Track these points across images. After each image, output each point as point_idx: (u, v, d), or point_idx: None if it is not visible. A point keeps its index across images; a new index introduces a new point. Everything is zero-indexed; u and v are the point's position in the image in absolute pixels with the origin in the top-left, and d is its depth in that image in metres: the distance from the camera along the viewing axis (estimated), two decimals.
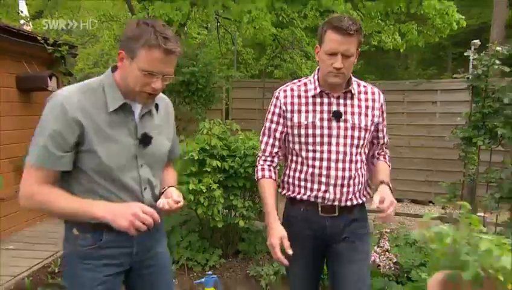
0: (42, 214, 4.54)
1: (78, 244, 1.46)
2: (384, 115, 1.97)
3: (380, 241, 3.43)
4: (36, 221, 4.40)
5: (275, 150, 1.93)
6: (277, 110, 1.89)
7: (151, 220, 1.36)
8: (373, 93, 1.91)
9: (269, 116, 1.92)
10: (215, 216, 3.45)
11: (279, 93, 1.91)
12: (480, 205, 3.82)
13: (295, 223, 1.90)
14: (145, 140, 1.48)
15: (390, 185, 1.81)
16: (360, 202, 1.89)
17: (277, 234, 1.78)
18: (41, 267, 3.27)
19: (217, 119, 4.01)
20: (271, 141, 1.93)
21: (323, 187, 1.83)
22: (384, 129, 1.99)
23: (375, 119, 1.90)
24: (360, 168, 1.89)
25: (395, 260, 3.32)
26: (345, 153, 1.83)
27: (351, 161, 1.85)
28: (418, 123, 5.79)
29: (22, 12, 8.82)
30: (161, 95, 1.58)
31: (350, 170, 1.84)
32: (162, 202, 1.54)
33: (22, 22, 8.46)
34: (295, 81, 1.96)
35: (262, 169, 1.92)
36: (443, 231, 0.92)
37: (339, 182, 1.83)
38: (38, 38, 4.21)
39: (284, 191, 1.95)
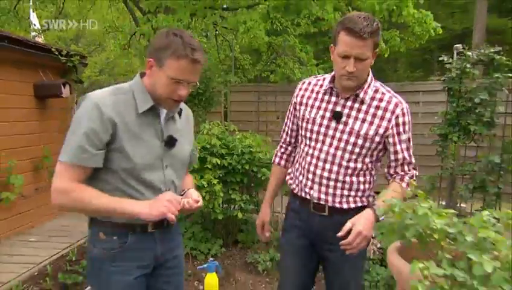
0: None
1: (105, 248, 1.44)
2: (402, 129, 1.68)
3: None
4: (54, 216, 4.58)
5: (288, 138, 1.93)
6: (293, 101, 1.86)
7: (179, 208, 1.40)
8: (388, 102, 1.67)
9: (289, 106, 1.91)
10: (216, 209, 3.61)
11: (299, 84, 1.87)
12: (458, 195, 4.04)
13: (289, 215, 1.89)
14: (170, 142, 1.50)
15: (378, 212, 1.55)
16: (353, 206, 1.72)
17: (261, 217, 1.95)
18: (60, 257, 3.46)
19: (216, 121, 4.19)
20: (286, 129, 1.93)
21: (309, 183, 1.75)
22: (402, 145, 1.70)
23: (381, 130, 1.66)
24: (355, 175, 1.72)
25: (379, 245, 3.49)
26: (334, 156, 1.70)
27: (339, 165, 1.70)
28: None
29: (34, 24, 8.95)
30: (182, 103, 1.57)
31: (337, 173, 1.70)
32: (183, 202, 1.56)
33: (33, 33, 8.63)
34: (319, 76, 1.88)
35: (276, 155, 1.98)
36: (393, 203, 1.12)
37: (324, 181, 1.72)
38: (53, 50, 4.40)
39: (288, 179, 1.92)
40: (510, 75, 3.65)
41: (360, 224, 1.51)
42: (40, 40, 8.11)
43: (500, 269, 0.87)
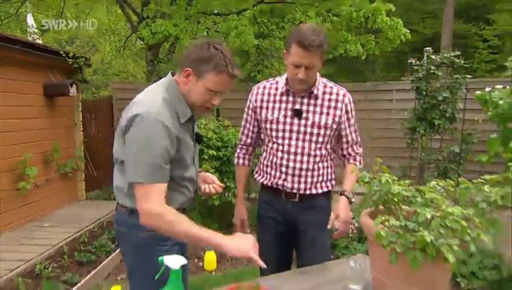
0: (69, 198, 4.91)
1: (150, 231, 1.43)
2: (350, 115, 1.89)
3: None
4: (62, 205, 4.75)
5: (249, 140, 2.01)
6: (251, 105, 1.94)
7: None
8: (337, 94, 1.85)
9: (246, 109, 1.97)
10: (213, 196, 3.85)
11: (254, 90, 1.95)
12: (426, 182, 4.37)
13: (262, 207, 1.99)
14: (198, 139, 1.58)
15: (350, 196, 1.80)
16: (320, 191, 1.88)
17: (238, 216, 2.02)
18: (73, 239, 3.65)
19: (211, 117, 4.42)
20: (245, 131, 2.01)
21: (283, 176, 1.86)
22: (351, 128, 1.91)
23: (337, 119, 1.84)
24: (321, 161, 1.88)
25: (356, 225, 3.78)
26: (303, 148, 1.84)
27: (309, 155, 1.84)
28: (377, 118, 6.26)
29: (32, 26, 8.97)
30: None
31: (308, 162, 1.85)
32: (208, 187, 1.65)
33: (33, 36, 8.66)
34: (270, 79, 1.98)
35: (238, 157, 2.06)
36: (364, 174, 1.38)
37: (297, 172, 1.85)
38: (61, 52, 4.55)
39: (256, 176, 1.99)
40: (468, 76, 3.98)
41: (342, 213, 1.75)
42: (39, 41, 8.16)
43: (438, 217, 1.15)
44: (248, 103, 1.96)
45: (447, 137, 4.31)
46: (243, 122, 2.00)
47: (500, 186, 1.28)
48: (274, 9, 7.18)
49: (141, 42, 11.17)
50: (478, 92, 3.21)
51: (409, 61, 4.21)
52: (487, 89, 3.24)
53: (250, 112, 1.96)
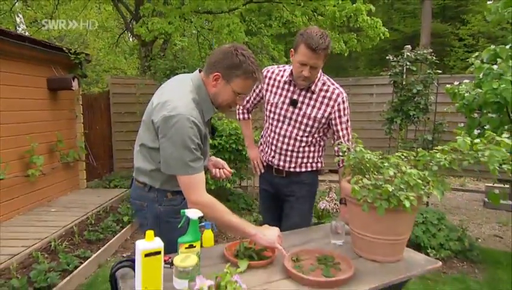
0: (71, 186, 5.12)
1: (171, 204, 1.67)
2: (342, 113, 2.06)
3: (329, 193, 4.25)
4: (66, 193, 4.96)
5: (248, 105, 2.33)
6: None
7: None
8: (332, 93, 2.05)
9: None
10: (209, 180, 4.13)
11: (266, 71, 2.18)
12: None
13: (260, 180, 2.35)
14: (212, 131, 1.78)
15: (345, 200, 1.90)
16: (304, 170, 2.16)
17: (254, 157, 2.30)
18: (81, 221, 3.88)
19: None
20: (250, 99, 2.30)
21: (272, 153, 2.17)
22: (343, 125, 2.08)
23: (326, 114, 2.05)
24: (306, 146, 2.12)
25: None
26: (291, 132, 2.10)
27: (295, 139, 2.10)
28: (359, 111, 6.62)
29: (20, 18, 9.00)
30: None
31: (294, 145, 2.11)
32: (218, 171, 1.83)
33: (19, 29, 8.70)
34: (280, 66, 2.20)
35: (239, 114, 2.38)
36: (342, 145, 1.69)
37: (283, 152, 2.13)
38: (64, 48, 4.74)
39: (259, 145, 2.33)
40: (438, 71, 4.34)
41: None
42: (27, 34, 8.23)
43: (400, 176, 1.46)
44: None
45: (421, 127, 4.69)
46: (251, 93, 2.25)
47: (448, 155, 1.60)
48: (262, 8, 7.43)
49: (133, 40, 11.31)
50: (448, 86, 3.59)
51: (387, 57, 4.54)
52: (456, 83, 3.62)
53: (258, 87, 2.22)
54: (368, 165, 1.60)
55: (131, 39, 11.74)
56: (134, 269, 1.40)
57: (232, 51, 1.53)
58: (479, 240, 4.12)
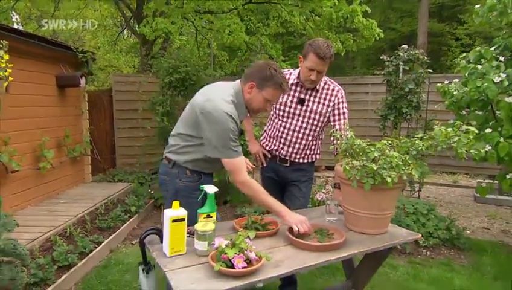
0: (77, 180, 5.40)
1: (189, 181, 2.02)
2: (341, 106, 2.44)
3: (325, 185, 4.57)
4: (72, 186, 5.25)
5: None
6: None
7: (308, 229, 1.86)
8: (333, 90, 2.46)
9: None
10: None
11: None
12: None
13: (264, 169, 2.67)
14: (241, 134, 2.06)
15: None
16: (306, 161, 2.54)
17: (254, 148, 2.63)
18: (90, 212, 4.16)
19: None
20: None
21: (281, 146, 2.54)
22: (341, 116, 2.45)
23: (329, 109, 2.43)
24: (312, 140, 2.50)
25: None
26: (300, 127, 2.47)
27: (304, 134, 2.48)
28: (355, 108, 6.92)
29: (16, 17, 9.22)
30: None
31: (302, 139, 2.49)
32: None
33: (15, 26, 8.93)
34: (285, 70, 2.52)
35: None
36: (336, 132, 2.01)
37: (292, 144, 2.51)
38: (72, 47, 5.02)
39: (262, 138, 2.69)
40: (429, 70, 4.68)
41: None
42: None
43: (383, 158, 1.78)
44: None
45: (413, 125, 5.02)
46: None
47: (426, 141, 1.92)
48: (260, 8, 7.73)
49: (133, 38, 11.55)
50: (439, 84, 3.89)
51: (381, 57, 4.87)
52: (446, 82, 3.91)
53: None
54: (357, 150, 1.92)
55: (130, 37, 12.01)
56: (160, 236, 1.72)
57: (265, 66, 1.94)
58: (467, 232, 4.44)
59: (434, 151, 1.90)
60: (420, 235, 2.03)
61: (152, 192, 5.03)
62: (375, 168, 1.71)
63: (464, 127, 1.88)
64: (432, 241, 3.83)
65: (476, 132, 1.87)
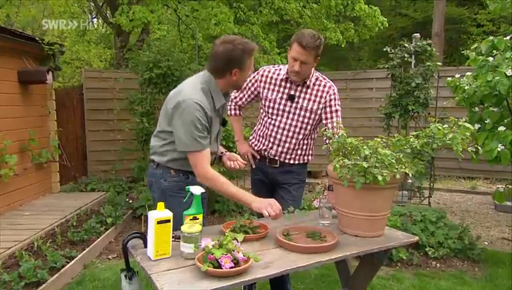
0: (44, 189, 5.58)
1: (174, 181, 2.26)
2: (333, 103, 2.65)
3: (324, 191, 4.81)
4: (38, 197, 5.43)
5: (240, 102, 2.88)
6: (258, 79, 2.75)
7: (278, 213, 2.09)
8: (324, 86, 2.66)
9: (249, 78, 2.73)
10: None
11: (261, 70, 2.77)
12: None
13: (253, 171, 2.88)
14: (223, 123, 2.40)
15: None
16: (297, 162, 2.75)
17: (243, 149, 2.87)
18: (61, 224, 4.36)
19: None
20: (241, 95, 2.85)
21: (270, 144, 2.74)
22: (333, 114, 2.65)
23: (321, 106, 2.63)
24: (303, 139, 2.71)
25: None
26: (290, 125, 2.67)
27: (294, 132, 2.68)
28: (357, 107, 7.17)
29: None
30: None
31: (292, 137, 2.69)
32: (233, 163, 2.44)
33: None
34: (275, 65, 2.81)
35: (230, 109, 2.92)
36: (328, 131, 2.25)
37: (281, 144, 2.71)
38: (37, 39, 5.22)
39: (251, 138, 2.90)
40: (438, 63, 4.95)
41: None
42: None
43: (375, 156, 2.02)
44: (255, 75, 2.77)
45: (421, 124, 5.26)
46: (243, 87, 2.77)
47: (421, 139, 2.17)
48: None
49: (105, 28, 11.70)
50: (449, 79, 4.08)
51: (385, 49, 5.13)
52: (457, 76, 4.10)
53: (254, 81, 2.78)
54: (349, 148, 2.16)
55: (103, 27, 12.20)
56: (144, 240, 1.94)
57: (231, 48, 2.15)
58: (485, 243, 4.64)
59: (430, 150, 2.15)
60: (417, 237, 2.27)
61: (131, 201, 5.21)
62: (365, 166, 1.94)
63: (460, 123, 2.13)
64: (442, 252, 4.02)
65: (472, 128, 2.12)
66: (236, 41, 2.17)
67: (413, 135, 2.21)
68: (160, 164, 2.29)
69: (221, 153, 2.55)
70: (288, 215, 2.30)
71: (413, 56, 5.08)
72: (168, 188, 2.28)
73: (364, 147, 2.10)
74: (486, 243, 4.67)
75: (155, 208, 1.98)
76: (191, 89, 2.17)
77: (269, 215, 2.09)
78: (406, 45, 4.99)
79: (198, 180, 2.16)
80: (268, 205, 2.11)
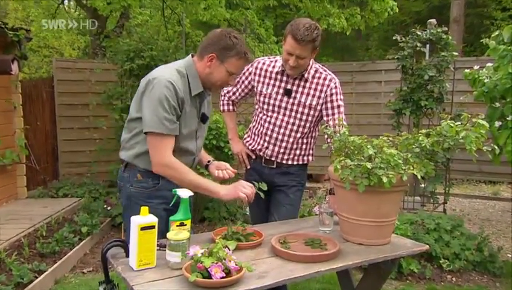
0: (8, 195, 5.61)
1: (141, 187, 2.24)
2: (334, 97, 2.70)
3: (326, 196, 4.88)
4: (3, 202, 5.45)
5: (233, 97, 2.95)
6: (252, 71, 2.81)
7: (251, 190, 2.23)
8: (324, 79, 2.70)
9: (244, 73, 2.82)
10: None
11: (255, 62, 2.82)
12: None
13: (248, 172, 2.93)
14: (203, 118, 2.35)
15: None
16: (295, 163, 2.81)
17: (237, 148, 2.94)
18: (28, 234, 4.40)
19: None
20: (234, 90, 2.92)
21: (265, 144, 2.79)
22: (335, 110, 2.71)
23: (321, 100, 2.68)
24: (301, 138, 2.76)
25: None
26: (287, 122, 2.72)
27: (291, 130, 2.73)
28: (364, 102, 7.20)
29: None
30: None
31: (289, 136, 2.74)
32: (221, 172, 2.44)
33: None
34: (271, 56, 2.84)
35: (223, 105, 3.00)
36: (328, 128, 2.33)
37: (278, 143, 2.76)
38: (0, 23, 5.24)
39: (246, 137, 2.96)
40: (455, 53, 5.02)
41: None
42: None
43: (380, 155, 2.10)
44: (248, 67, 2.82)
45: (435, 122, 5.34)
46: (237, 81, 2.83)
47: (432, 137, 2.25)
48: None
49: (78, 10, 11.68)
50: (467, 71, 4.14)
51: (394, 37, 5.20)
52: (476, 67, 4.15)
53: (247, 74, 2.85)
54: (352, 147, 2.24)
55: (76, 11, 12.20)
56: (125, 249, 2.00)
57: (225, 34, 2.21)
58: (509, 255, 4.68)
59: (441, 150, 2.23)
60: (427, 246, 2.35)
61: (109, 209, 5.25)
62: (369, 167, 2.02)
63: (474, 119, 2.21)
64: (458, 265, 4.08)
65: (487, 125, 2.20)
66: (234, 34, 2.23)
67: (422, 133, 2.28)
68: (128, 163, 2.29)
69: (208, 161, 2.58)
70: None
71: (427, 46, 5.16)
72: (134, 194, 2.27)
73: (368, 146, 2.18)
74: (510, 255, 4.73)
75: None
76: (164, 68, 2.24)
77: (247, 197, 2.19)
78: (419, 33, 5.06)
79: (154, 169, 2.17)
80: (239, 188, 2.21)
